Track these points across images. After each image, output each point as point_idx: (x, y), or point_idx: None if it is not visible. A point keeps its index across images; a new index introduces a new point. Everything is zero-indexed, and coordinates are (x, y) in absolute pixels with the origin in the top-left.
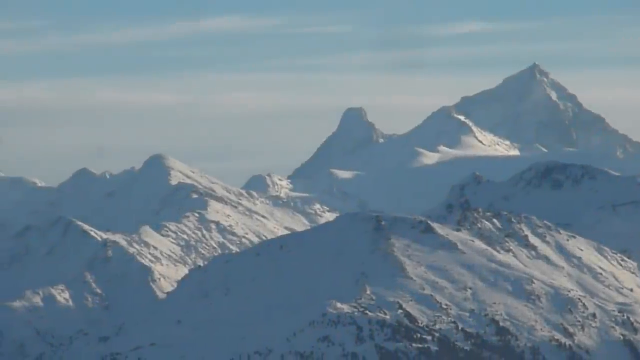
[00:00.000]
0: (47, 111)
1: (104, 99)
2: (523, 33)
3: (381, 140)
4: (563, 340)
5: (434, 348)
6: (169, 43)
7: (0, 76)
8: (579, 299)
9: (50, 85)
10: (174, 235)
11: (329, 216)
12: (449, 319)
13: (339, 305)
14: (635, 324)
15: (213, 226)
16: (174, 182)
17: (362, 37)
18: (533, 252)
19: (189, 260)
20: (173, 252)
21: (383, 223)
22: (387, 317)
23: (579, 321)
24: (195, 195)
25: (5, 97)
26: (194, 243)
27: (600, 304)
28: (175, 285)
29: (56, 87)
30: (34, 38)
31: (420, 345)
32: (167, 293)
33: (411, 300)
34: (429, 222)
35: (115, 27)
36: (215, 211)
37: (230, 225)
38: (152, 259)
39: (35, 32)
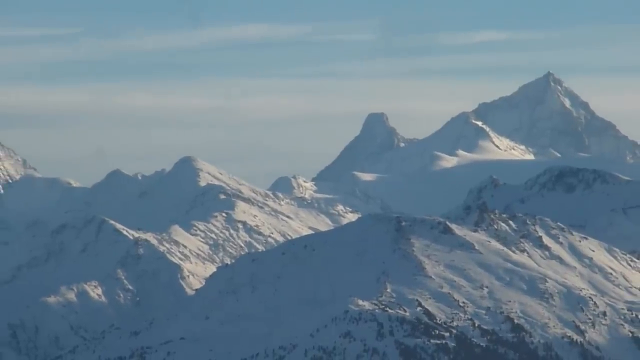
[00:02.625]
0: (82, 114)
1: (136, 102)
2: (538, 42)
3: (402, 144)
4: (575, 337)
5: (451, 344)
6: (198, 50)
7: (37, 81)
8: (590, 297)
9: (84, 90)
10: (202, 235)
11: (352, 217)
12: (466, 316)
13: (360, 302)
14: None
15: (240, 226)
16: (203, 183)
17: (384, 44)
18: (547, 253)
19: (217, 259)
20: (201, 251)
21: (403, 224)
22: (407, 314)
23: (590, 319)
24: (223, 196)
25: (41, 100)
26: (221, 242)
27: (610, 302)
28: (203, 282)
29: (90, 92)
30: (67, 45)
31: (438, 342)
32: (196, 290)
33: (430, 298)
34: (447, 223)
35: (146, 34)
36: (242, 211)
37: (256, 225)
38: (182, 257)
39: (69, 39)
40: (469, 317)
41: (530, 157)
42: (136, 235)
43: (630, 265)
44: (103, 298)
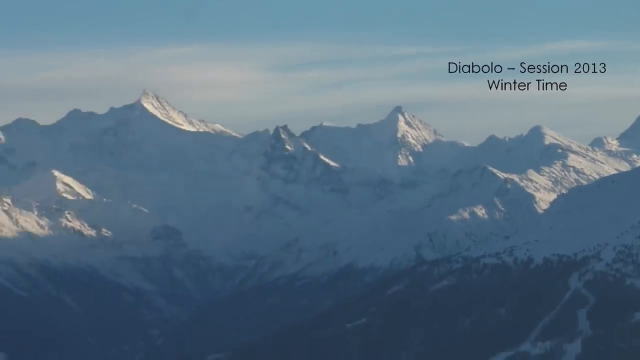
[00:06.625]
0: (470, 102)
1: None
2: None
3: None
4: None
5: None
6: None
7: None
8: None
9: (476, 84)
10: (547, 175)
11: None
12: None
13: None
14: None
15: (571, 169)
16: (547, 142)
17: None
18: None
19: (557, 190)
20: (547, 185)
21: None
22: None
23: None
24: (560, 150)
25: (446, 92)
26: (559, 179)
27: None
28: (548, 205)
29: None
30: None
31: None
32: (544, 210)
33: None
34: None
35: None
36: (573, 160)
37: (582, 168)
38: (534, 189)
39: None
40: None
41: None
42: (505, 176)
43: None
44: (486, 216)
